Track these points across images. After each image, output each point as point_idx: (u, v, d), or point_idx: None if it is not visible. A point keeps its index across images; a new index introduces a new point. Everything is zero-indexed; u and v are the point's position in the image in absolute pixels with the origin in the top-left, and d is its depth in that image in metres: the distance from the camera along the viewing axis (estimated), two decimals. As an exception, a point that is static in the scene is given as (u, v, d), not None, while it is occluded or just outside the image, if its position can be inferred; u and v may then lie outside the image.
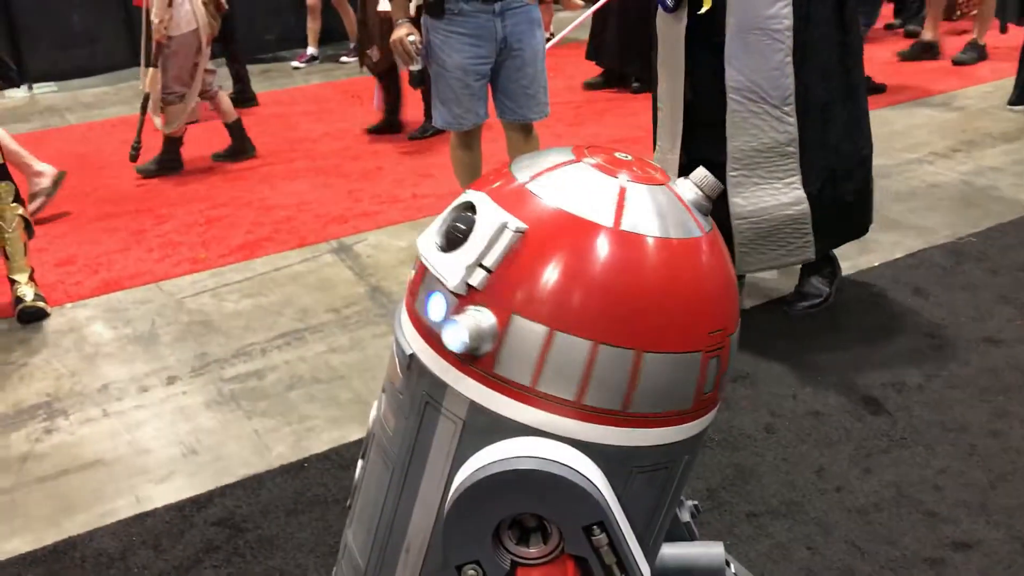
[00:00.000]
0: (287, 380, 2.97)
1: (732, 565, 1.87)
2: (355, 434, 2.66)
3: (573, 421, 1.18)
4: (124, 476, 2.55)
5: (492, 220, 1.19)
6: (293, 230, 4.13)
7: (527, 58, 3.62)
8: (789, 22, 2.85)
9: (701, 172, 1.31)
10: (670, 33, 2.98)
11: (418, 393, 1.28)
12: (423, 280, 1.27)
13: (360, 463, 1.50)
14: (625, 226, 1.18)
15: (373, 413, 1.47)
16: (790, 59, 2.85)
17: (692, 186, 1.30)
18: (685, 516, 1.84)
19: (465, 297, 1.19)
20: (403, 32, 3.53)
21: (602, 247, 1.17)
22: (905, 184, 4.32)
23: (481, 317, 1.16)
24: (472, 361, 1.18)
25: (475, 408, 1.21)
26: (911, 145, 4.83)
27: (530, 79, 3.66)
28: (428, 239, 1.26)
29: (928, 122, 5.24)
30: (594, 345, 1.15)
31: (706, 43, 2.89)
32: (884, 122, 5.25)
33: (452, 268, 1.20)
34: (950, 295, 3.28)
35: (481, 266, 1.18)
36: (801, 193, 2.91)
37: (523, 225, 1.18)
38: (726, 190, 2.92)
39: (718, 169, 2.80)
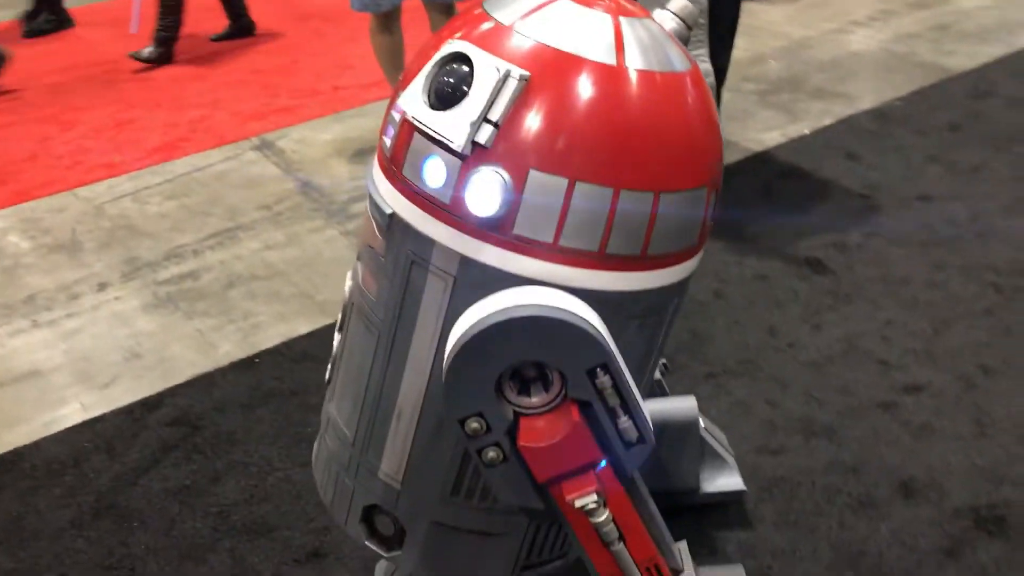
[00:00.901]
0: (224, 279, 2.87)
1: (702, 420, 1.90)
2: (303, 327, 2.60)
3: (576, 270, 1.15)
4: (65, 385, 2.44)
5: (492, 69, 1.11)
6: (210, 129, 3.95)
7: (443, -68, 3.48)
8: None
9: (680, 1, 1.26)
10: None
11: (402, 253, 1.22)
12: (410, 144, 1.18)
13: (337, 336, 1.45)
14: (629, 63, 1.13)
15: (348, 283, 1.42)
16: None
17: (672, 16, 1.25)
18: (655, 374, 1.85)
19: (471, 158, 1.12)
20: None
21: (611, 88, 1.12)
22: (828, 54, 4.34)
23: (501, 177, 1.10)
24: (491, 226, 1.12)
25: (467, 263, 1.16)
26: (830, 15, 4.84)
27: None
28: (414, 99, 1.17)
29: (845, -6, 5.25)
30: (615, 191, 1.11)
31: None
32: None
33: (454, 127, 1.11)
34: (881, 157, 3.34)
35: (487, 121, 1.10)
36: (708, 67, 2.87)
37: (526, 72, 1.11)
38: None
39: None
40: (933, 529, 1.85)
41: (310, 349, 2.51)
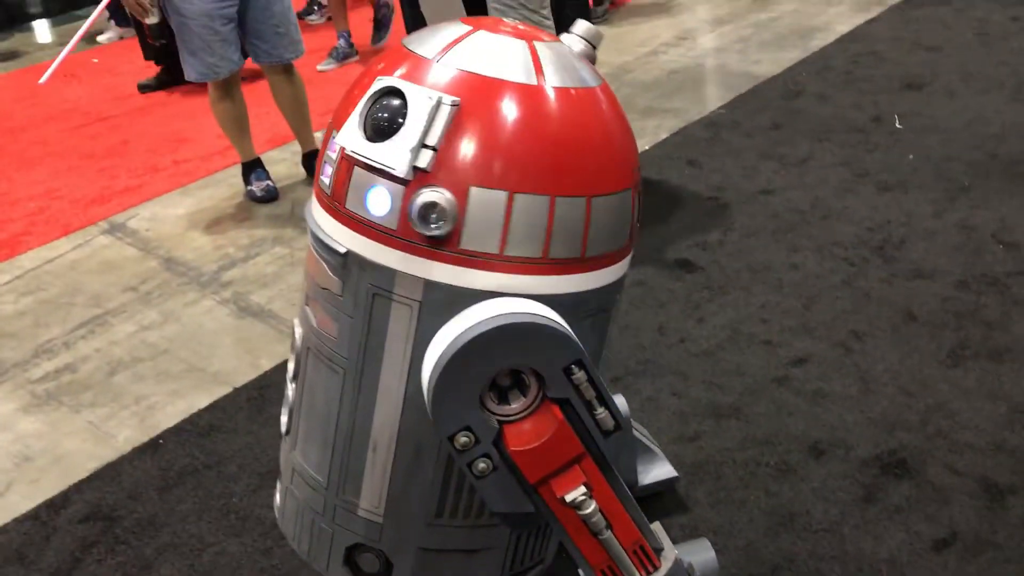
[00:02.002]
0: (106, 367, 2.76)
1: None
2: (202, 401, 2.53)
3: (534, 277, 1.22)
4: (-48, 502, 2.28)
5: (424, 99, 1.18)
6: (52, 220, 3.78)
7: (272, -4, 3.50)
8: None
9: (583, 24, 1.36)
10: None
11: (362, 288, 1.26)
12: (351, 178, 1.23)
13: (292, 386, 1.46)
14: (548, 82, 1.22)
15: (298, 331, 1.43)
16: None
17: (578, 39, 1.35)
18: None
19: (413, 182, 1.18)
20: None
21: (536, 104, 1.21)
22: (648, 75, 4.63)
23: (441, 195, 1.16)
24: (439, 243, 1.18)
25: (431, 286, 1.21)
26: (642, 40, 5.16)
27: (279, 18, 3.55)
28: (351, 134, 1.23)
29: (649, 19, 5.60)
30: (551, 199, 1.19)
31: None
32: (613, 24, 5.56)
33: (394, 155, 1.17)
34: (719, 161, 3.59)
35: (426, 146, 1.16)
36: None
37: (456, 98, 1.18)
38: None
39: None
40: (847, 481, 2.02)
41: (215, 421, 2.45)
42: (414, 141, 1.17)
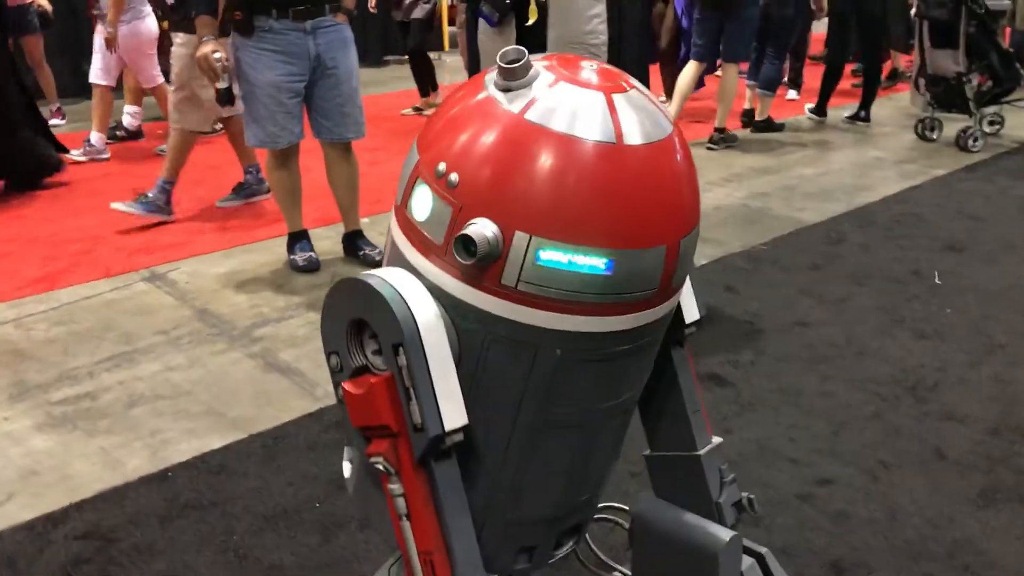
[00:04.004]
0: (126, 399, 2.75)
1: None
2: (216, 442, 2.51)
3: (454, 280, 1.17)
4: (-49, 505, 2.24)
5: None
6: (95, 262, 3.85)
7: (342, 76, 3.64)
8: (605, 37, 3.08)
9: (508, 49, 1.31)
10: (497, 49, 3.12)
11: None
12: None
13: None
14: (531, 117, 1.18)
15: None
16: None
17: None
18: (721, 496, 1.52)
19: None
20: (208, 49, 3.44)
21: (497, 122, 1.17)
22: (693, 207, 4.71)
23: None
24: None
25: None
26: (689, 177, 5.28)
27: (346, 97, 3.68)
28: None
29: (696, 160, 5.75)
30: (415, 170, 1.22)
31: None
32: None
33: None
34: (757, 291, 3.61)
35: None
36: None
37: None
38: None
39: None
40: (868, 602, 1.94)
41: (226, 462, 2.42)
42: None
